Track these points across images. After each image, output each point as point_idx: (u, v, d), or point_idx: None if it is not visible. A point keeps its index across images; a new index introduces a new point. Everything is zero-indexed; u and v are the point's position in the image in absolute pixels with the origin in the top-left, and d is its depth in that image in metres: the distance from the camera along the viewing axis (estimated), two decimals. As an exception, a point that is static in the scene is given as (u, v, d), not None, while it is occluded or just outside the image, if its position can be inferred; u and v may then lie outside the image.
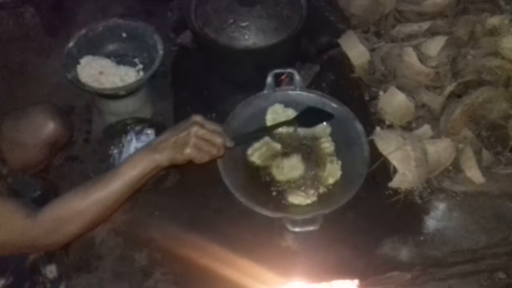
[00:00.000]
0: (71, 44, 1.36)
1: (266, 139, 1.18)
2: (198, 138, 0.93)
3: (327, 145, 1.17)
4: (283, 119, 1.19)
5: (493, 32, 1.40)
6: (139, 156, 0.93)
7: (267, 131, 1.17)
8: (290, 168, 1.15)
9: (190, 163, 0.96)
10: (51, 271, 1.07)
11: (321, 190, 1.12)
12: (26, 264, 1.05)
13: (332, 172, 1.13)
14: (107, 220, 0.97)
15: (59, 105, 1.53)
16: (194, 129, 0.93)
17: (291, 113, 1.20)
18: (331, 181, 1.13)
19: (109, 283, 1.10)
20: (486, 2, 1.55)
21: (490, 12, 1.48)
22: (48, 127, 1.19)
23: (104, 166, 1.30)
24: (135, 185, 0.93)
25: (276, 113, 1.20)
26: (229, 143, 0.99)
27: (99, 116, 1.47)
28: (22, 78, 1.69)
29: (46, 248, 0.91)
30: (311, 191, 1.12)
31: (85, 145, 1.46)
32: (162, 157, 0.92)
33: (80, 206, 0.89)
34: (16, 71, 1.71)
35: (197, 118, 0.96)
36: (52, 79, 1.67)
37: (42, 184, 1.31)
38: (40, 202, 1.24)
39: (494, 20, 1.41)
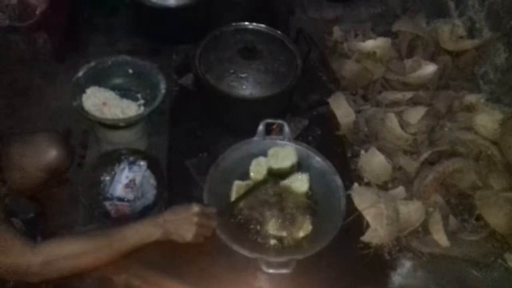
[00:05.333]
0: (80, 73, 1.44)
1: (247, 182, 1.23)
2: (199, 227, 1.04)
3: (302, 200, 1.21)
4: (265, 171, 1.24)
5: (470, 108, 1.50)
6: (145, 228, 1.01)
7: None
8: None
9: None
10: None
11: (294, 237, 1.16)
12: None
13: (303, 226, 1.17)
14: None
15: (58, 128, 1.60)
16: (196, 219, 1.03)
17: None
18: (301, 234, 1.16)
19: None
20: (467, 81, 1.67)
21: (468, 90, 1.59)
22: (51, 156, 1.21)
23: (94, 191, 1.35)
24: (130, 250, 1.00)
25: (260, 165, 1.26)
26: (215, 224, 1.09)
27: (95, 143, 1.54)
28: (25, 98, 1.73)
29: (34, 278, 0.93)
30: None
31: (77, 169, 1.50)
32: (163, 236, 1.02)
33: (78, 251, 0.95)
34: (21, 91, 1.75)
35: (197, 208, 1.04)
36: (54, 103, 1.72)
37: (35, 207, 1.35)
38: (32, 224, 1.28)
39: (471, 98, 1.52)
